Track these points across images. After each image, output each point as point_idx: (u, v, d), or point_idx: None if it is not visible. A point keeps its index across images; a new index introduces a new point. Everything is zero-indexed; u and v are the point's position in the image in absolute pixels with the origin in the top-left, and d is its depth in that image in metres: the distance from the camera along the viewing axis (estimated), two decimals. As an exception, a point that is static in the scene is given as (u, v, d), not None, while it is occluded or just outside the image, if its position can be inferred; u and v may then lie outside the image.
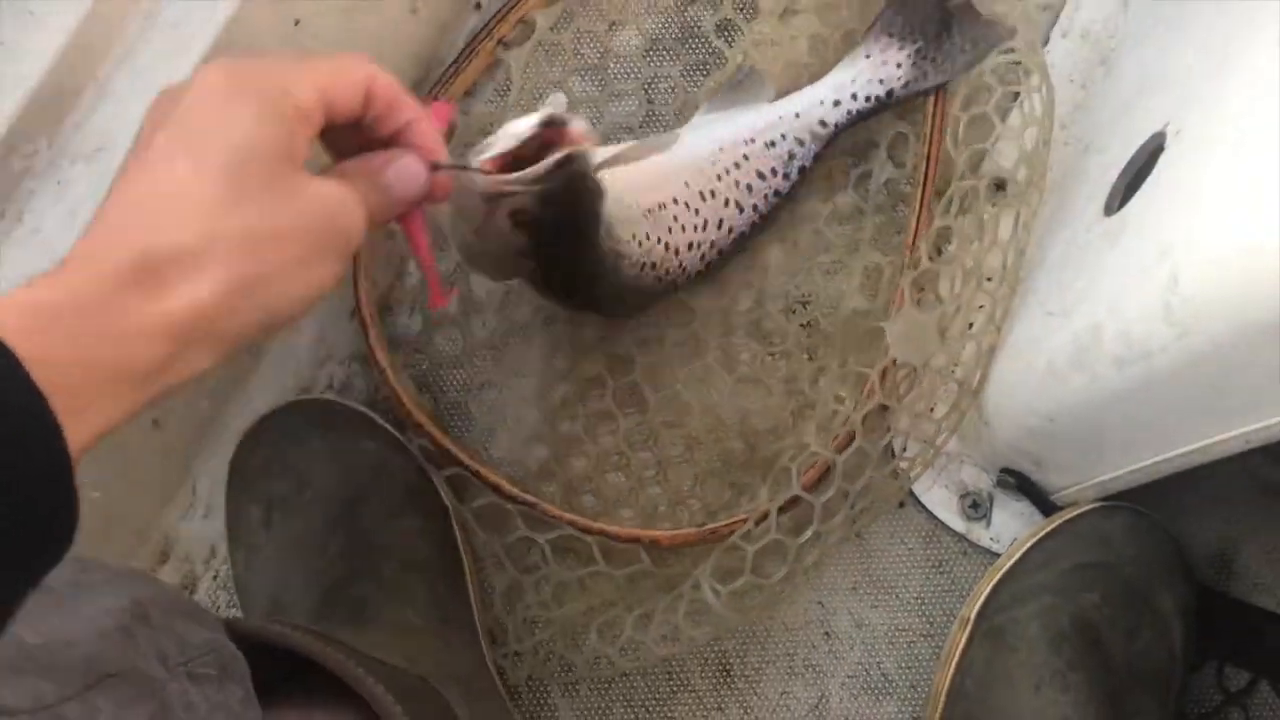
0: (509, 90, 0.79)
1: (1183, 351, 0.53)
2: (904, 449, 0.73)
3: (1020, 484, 0.74)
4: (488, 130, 0.78)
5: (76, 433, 0.36)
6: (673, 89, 0.81)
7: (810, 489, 0.68)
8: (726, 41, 0.81)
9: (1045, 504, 0.74)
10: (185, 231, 0.41)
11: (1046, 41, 0.82)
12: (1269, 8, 0.57)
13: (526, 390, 0.77)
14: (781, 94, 0.75)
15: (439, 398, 0.77)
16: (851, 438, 0.68)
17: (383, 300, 0.77)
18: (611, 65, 0.81)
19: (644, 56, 0.81)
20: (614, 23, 0.81)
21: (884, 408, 0.70)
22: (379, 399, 0.76)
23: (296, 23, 0.64)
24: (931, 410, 0.72)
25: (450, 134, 0.75)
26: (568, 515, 0.71)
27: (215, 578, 0.77)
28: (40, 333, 0.37)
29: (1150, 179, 0.61)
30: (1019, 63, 0.73)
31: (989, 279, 0.73)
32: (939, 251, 0.74)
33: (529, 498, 0.71)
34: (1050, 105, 0.73)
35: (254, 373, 0.77)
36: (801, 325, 0.77)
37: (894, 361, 0.68)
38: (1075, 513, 0.71)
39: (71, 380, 0.37)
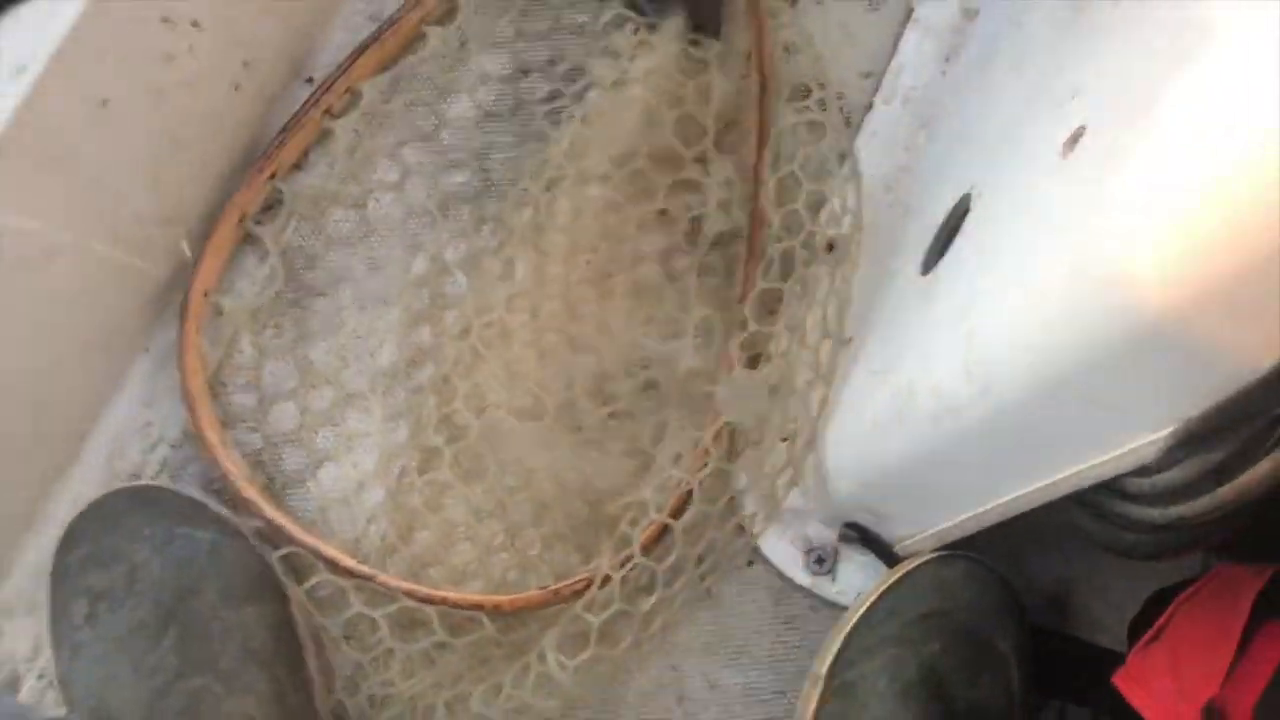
0: (338, 161, 0.78)
1: (985, 408, 0.54)
2: (746, 507, 0.74)
3: (862, 536, 0.75)
4: (319, 203, 0.78)
5: None
6: (507, 160, 0.81)
7: (649, 549, 0.68)
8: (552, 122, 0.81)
9: (888, 555, 0.76)
10: None
11: (870, 107, 0.85)
12: (1053, 81, 0.60)
13: (366, 464, 0.75)
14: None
15: (274, 476, 0.75)
16: (687, 499, 0.68)
17: (214, 376, 0.75)
18: (445, 135, 0.81)
19: (477, 126, 0.81)
20: (446, 92, 0.81)
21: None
22: (213, 479, 0.74)
23: (104, 103, 0.62)
24: (773, 468, 0.73)
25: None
26: (405, 585, 0.70)
27: (40, 677, 0.73)
28: None
29: (957, 240, 0.64)
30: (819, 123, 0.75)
31: (825, 336, 0.75)
32: (770, 312, 0.75)
33: (365, 570, 0.69)
34: (854, 167, 0.75)
35: (77, 460, 0.74)
36: (643, 386, 0.78)
37: (725, 423, 0.69)
38: (916, 563, 0.72)
39: None
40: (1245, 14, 0.42)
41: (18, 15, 0.58)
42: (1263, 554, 0.60)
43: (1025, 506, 0.61)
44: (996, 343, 0.52)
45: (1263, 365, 0.40)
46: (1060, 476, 0.57)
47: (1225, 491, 0.43)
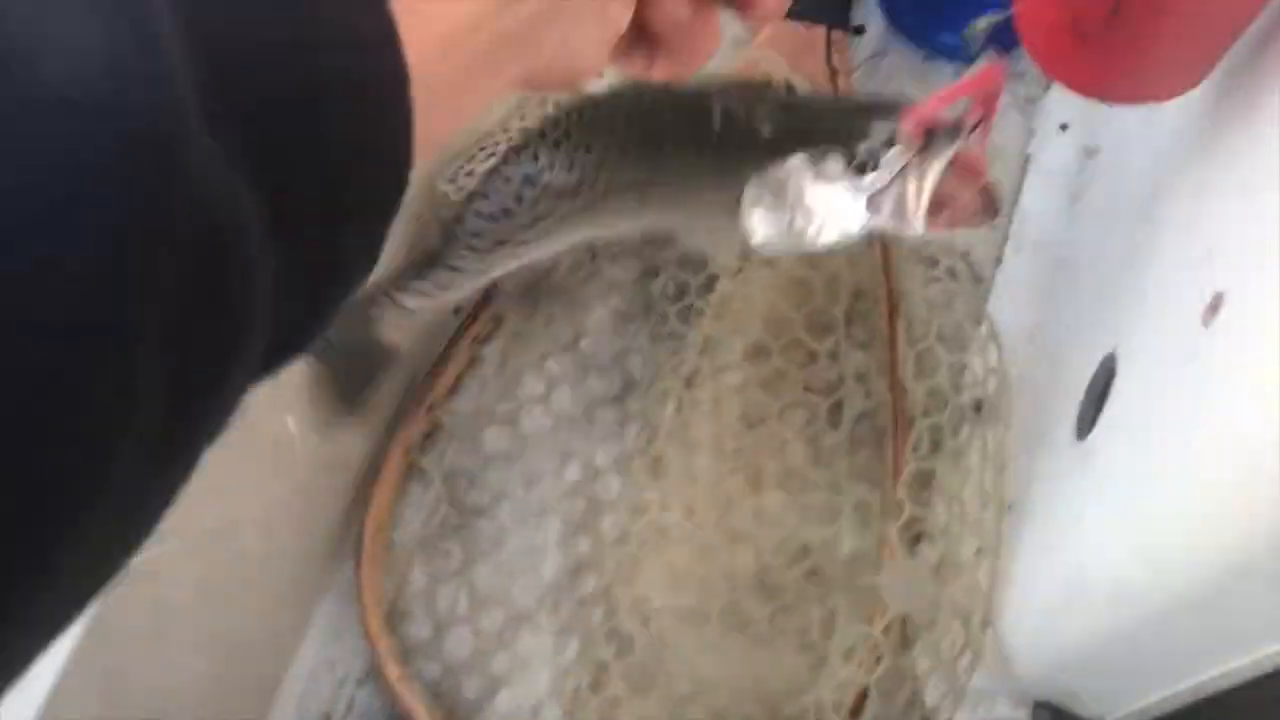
0: (488, 383, 0.82)
1: (1166, 593, 0.52)
2: (929, 695, 0.71)
3: (1056, 717, 0.71)
4: (476, 422, 0.82)
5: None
6: (645, 359, 0.83)
7: (835, 756, 0.67)
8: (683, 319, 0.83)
9: (1087, 732, 0.71)
10: None
11: (1000, 260, 0.84)
12: (1187, 237, 0.59)
13: (540, 684, 0.76)
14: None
15: (455, 705, 0.77)
16: (865, 695, 0.66)
17: (392, 608, 0.78)
18: (584, 343, 0.84)
19: (614, 331, 0.84)
20: (581, 303, 0.84)
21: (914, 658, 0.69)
22: (398, 715, 0.76)
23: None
24: (951, 651, 0.70)
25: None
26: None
27: None
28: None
29: (1109, 404, 0.62)
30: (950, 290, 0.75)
31: (985, 505, 0.72)
32: (924, 486, 0.74)
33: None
34: (991, 327, 0.74)
35: (273, 705, 0.77)
36: (805, 575, 0.77)
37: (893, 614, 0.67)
38: (1116, 742, 0.68)
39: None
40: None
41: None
42: None
43: (1231, 683, 0.57)
44: (1171, 529, 0.50)
45: None
46: (1258, 655, 0.53)
47: None
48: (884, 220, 0.51)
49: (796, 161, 0.52)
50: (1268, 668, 0.53)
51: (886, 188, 0.50)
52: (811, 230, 0.52)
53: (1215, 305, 0.50)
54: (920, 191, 0.50)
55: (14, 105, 0.18)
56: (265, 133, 0.23)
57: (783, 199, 0.53)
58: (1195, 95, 0.61)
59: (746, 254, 0.79)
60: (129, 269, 0.19)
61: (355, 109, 0.26)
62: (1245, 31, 0.54)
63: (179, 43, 0.21)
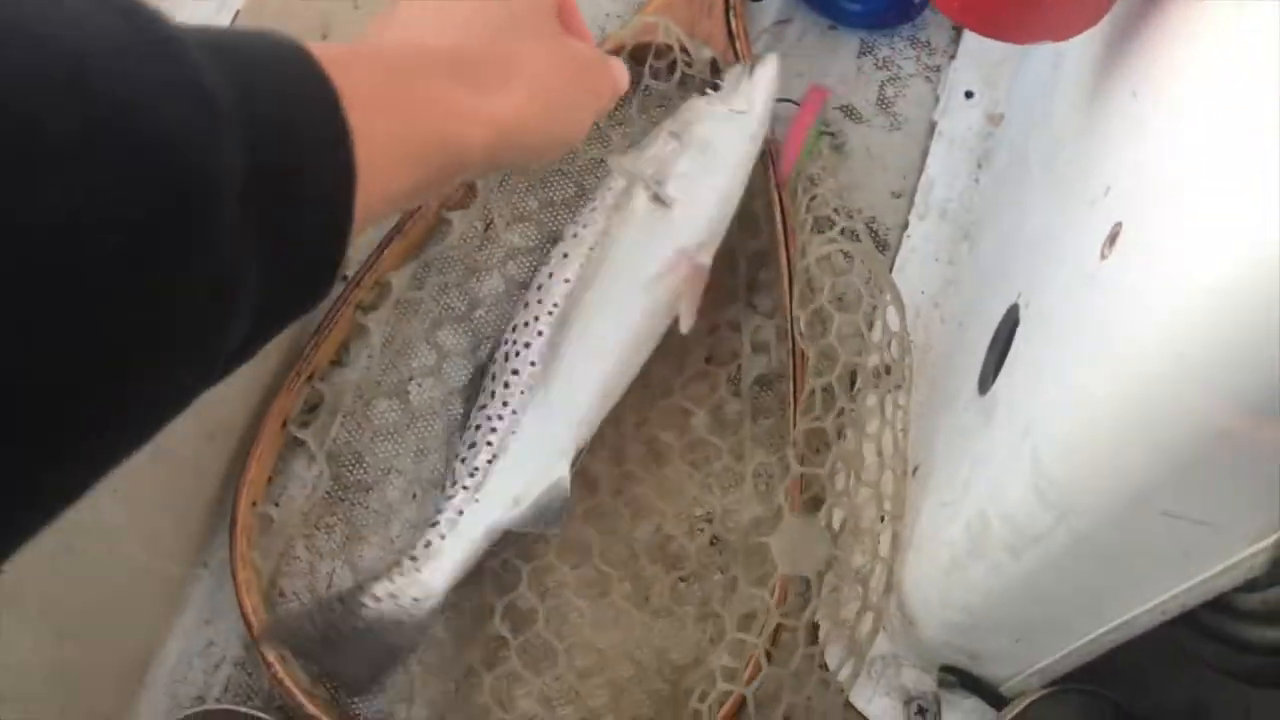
0: (376, 353, 0.78)
1: (1068, 534, 0.50)
2: (831, 661, 0.69)
3: (963, 680, 0.70)
4: (363, 396, 0.78)
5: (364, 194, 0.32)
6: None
7: (732, 724, 0.64)
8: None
9: (994, 696, 0.69)
10: (491, 44, 0.42)
11: (906, 226, 0.83)
12: (1086, 177, 0.58)
13: (430, 661, 0.72)
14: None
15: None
16: (761, 663, 0.64)
17: (271, 586, 0.74)
18: (479, 313, 0.80)
19: (510, 300, 0.80)
20: (475, 271, 0.81)
21: (815, 623, 0.67)
22: (277, 695, 0.71)
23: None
24: (851, 616, 0.68)
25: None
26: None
27: None
28: (361, 81, 0.33)
29: (1011, 354, 0.60)
30: (848, 254, 0.73)
31: (885, 469, 0.71)
32: (817, 451, 0.72)
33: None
34: (893, 290, 0.73)
35: (143, 686, 0.72)
36: (710, 543, 0.75)
37: (788, 577, 0.65)
38: (1024, 704, 0.66)
39: (377, 136, 0.33)
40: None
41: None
42: None
43: (1131, 633, 0.56)
44: (1065, 465, 0.48)
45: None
46: (1162, 599, 0.52)
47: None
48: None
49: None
50: (1172, 611, 0.52)
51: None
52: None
53: (1113, 236, 0.49)
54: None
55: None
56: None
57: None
58: (1094, 42, 0.61)
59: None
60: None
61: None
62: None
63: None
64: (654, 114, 0.83)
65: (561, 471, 0.70)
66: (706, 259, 0.72)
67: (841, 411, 0.70)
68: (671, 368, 0.77)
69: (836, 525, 0.69)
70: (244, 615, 0.70)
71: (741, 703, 0.64)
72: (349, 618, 0.65)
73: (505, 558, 0.73)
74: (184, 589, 0.75)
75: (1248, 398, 0.38)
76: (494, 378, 0.72)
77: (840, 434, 0.72)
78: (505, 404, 0.71)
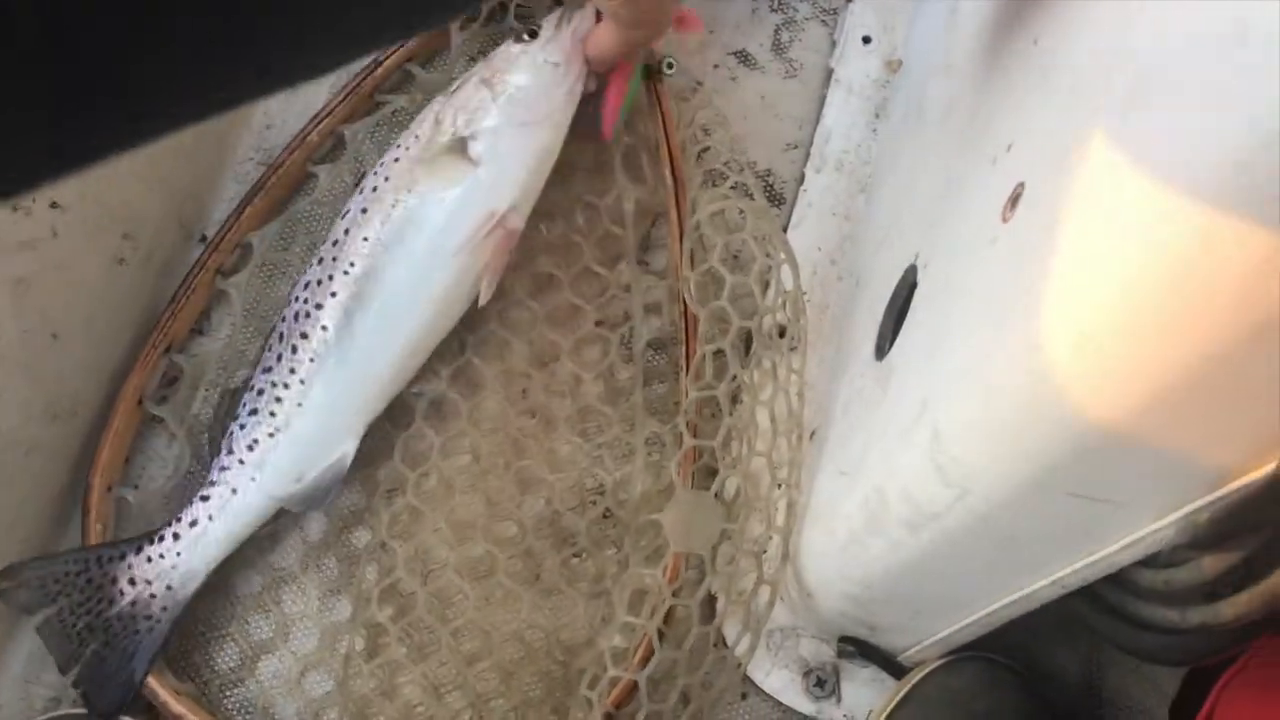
0: (237, 322, 0.73)
1: (965, 511, 0.48)
2: (728, 635, 0.67)
3: (862, 650, 0.68)
4: (228, 368, 0.72)
5: None
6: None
7: (622, 705, 0.61)
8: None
9: (893, 665, 0.68)
10: None
11: (802, 179, 0.80)
12: (986, 132, 0.55)
13: (307, 648, 0.68)
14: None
15: (209, 679, 0.68)
16: (652, 649, 0.61)
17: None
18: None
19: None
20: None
21: (711, 597, 0.64)
22: (139, 697, 0.66)
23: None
24: (747, 589, 0.66)
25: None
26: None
27: None
28: None
29: (908, 319, 0.58)
30: (742, 211, 0.70)
31: (778, 435, 0.68)
32: (712, 417, 0.69)
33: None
34: (787, 249, 0.69)
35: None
36: (603, 516, 0.71)
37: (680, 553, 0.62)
38: (922, 674, 0.65)
39: None
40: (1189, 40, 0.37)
41: None
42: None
43: (1030, 606, 0.54)
44: (965, 442, 0.46)
45: (1262, 467, 0.33)
46: (1063, 573, 0.50)
47: (1248, 599, 0.36)
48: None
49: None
50: (1072, 585, 0.50)
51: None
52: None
53: (1015, 197, 0.46)
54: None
55: None
56: None
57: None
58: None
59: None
60: None
61: None
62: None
63: None
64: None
65: (347, 449, 0.66)
66: (519, 222, 0.68)
67: (735, 378, 0.66)
68: (561, 331, 0.73)
69: (730, 495, 0.66)
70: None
71: (633, 687, 0.61)
72: (93, 616, 0.61)
73: (382, 539, 0.69)
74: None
75: (1152, 379, 0.36)
76: (281, 338, 0.66)
77: (735, 400, 0.69)
78: (293, 371, 0.65)
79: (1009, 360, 0.42)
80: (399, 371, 0.68)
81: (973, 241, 0.50)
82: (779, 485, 0.67)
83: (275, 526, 0.69)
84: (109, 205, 0.67)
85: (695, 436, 0.66)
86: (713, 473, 0.67)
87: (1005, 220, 0.47)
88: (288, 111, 0.78)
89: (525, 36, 0.68)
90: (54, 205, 0.62)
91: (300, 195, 0.76)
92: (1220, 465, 0.35)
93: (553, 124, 0.68)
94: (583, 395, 0.72)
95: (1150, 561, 0.46)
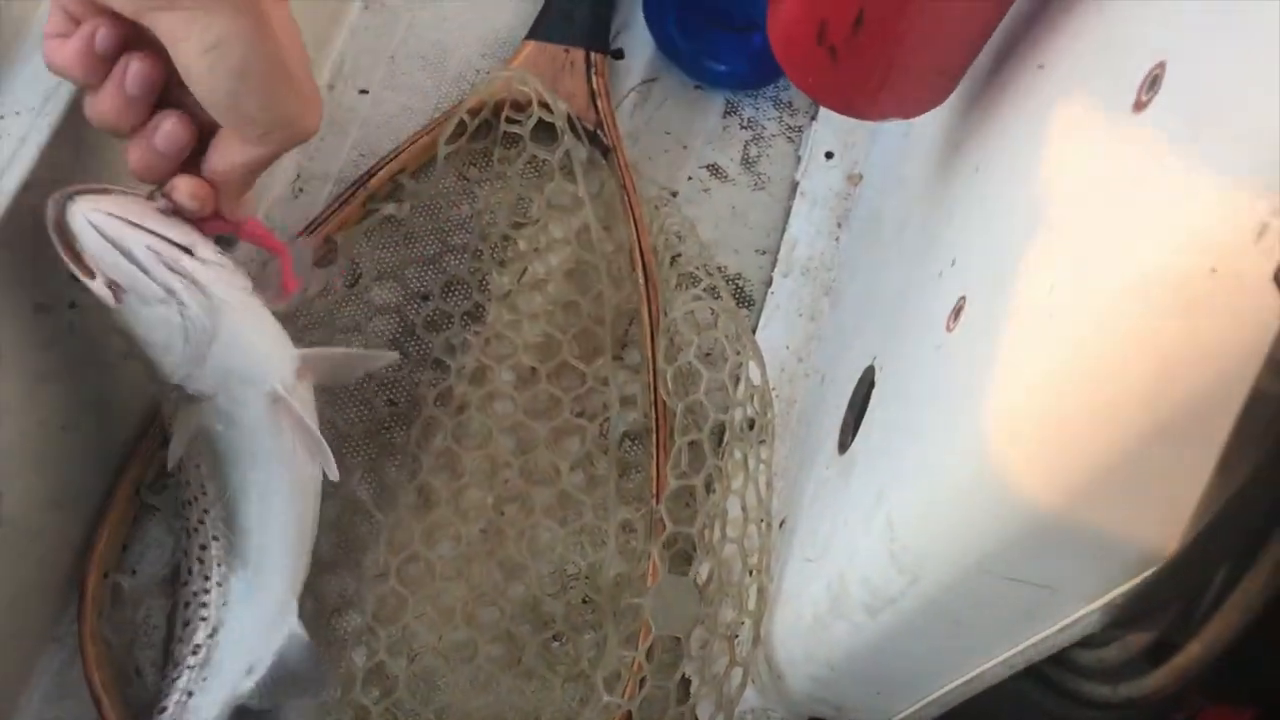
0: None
1: (918, 596, 0.52)
2: (701, 716, 0.70)
3: (828, 730, 0.71)
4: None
5: None
6: (409, 388, 0.80)
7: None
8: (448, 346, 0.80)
9: (858, 745, 0.71)
10: None
11: (770, 282, 0.85)
12: (934, 246, 0.60)
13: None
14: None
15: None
16: (631, 724, 0.64)
17: (127, 659, 0.71)
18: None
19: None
20: (340, 330, 0.80)
21: (685, 680, 0.68)
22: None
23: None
24: (721, 671, 0.69)
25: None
26: None
27: None
28: None
29: (866, 416, 0.62)
30: (713, 311, 0.75)
31: (749, 523, 0.72)
32: (686, 505, 0.73)
33: None
34: (754, 346, 0.75)
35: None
36: (583, 601, 0.75)
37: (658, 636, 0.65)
38: (885, 753, 0.68)
39: None
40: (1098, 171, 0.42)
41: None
42: (1249, 693, 0.57)
43: (981, 686, 0.58)
44: (915, 529, 0.50)
45: (1166, 550, 0.38)
46: (1008, 654, 0.54)
47: (1166, 671, 0.41)
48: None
49: None
50: (1018, 665, 0.54)
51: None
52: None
53: (958, 310, 0.52)
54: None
55: None
56: None
57: None
58: (944, 111, 0.64)
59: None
60: None
61: None
62: (981, 48, 0.56)
63: None
64: (515, 165, 0.83)
65: (289, 625, 0.68)
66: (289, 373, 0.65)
67: (708, 467, 0.71)
68: (540, 421, 0.78)
69: (703, 580, 0.69)
70: (92, 692, 0.67)
71: (612, 766, 0.64)
72: None
73: (369, 623, 0.72)
74: (33, 665, 0.71)
75: (1073, 471, 0.40)
76: (186, 553, 0.68)
77: (709, 489, 0.73)
78: (207, 578, 0.67)
79: (952, 455, 0.47)
80: (304, 539, 0.69)
81: (922, 346, 0.55)
82: (750, 572, 0.71)
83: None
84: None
85: (672, 524, 0.70)
86: (688, 558, 0.71)
87: (949, 329, 0.52)
88: (289, 216, 0.83)
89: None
90: (72, 305, 0.66)
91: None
92: (1138, 550, 0.40)
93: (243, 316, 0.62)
94: (560, 483, 0.76)
95: (1087, 642, 0.50)
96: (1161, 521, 0.38)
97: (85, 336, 0.69)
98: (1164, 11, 0.40)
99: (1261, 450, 0.33)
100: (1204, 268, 0.32)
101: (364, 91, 0.89)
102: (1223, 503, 0.34)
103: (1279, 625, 0.37)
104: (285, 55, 0.50)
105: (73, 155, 0.63)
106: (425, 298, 0.81)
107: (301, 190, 0.85)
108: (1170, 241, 0.34)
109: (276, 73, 0.50)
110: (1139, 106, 0.39)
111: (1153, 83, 0.39)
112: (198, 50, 0.48)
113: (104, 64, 0.52)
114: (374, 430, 0.78)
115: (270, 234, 0.63)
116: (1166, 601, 0.39)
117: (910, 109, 0.60)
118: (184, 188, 0.56)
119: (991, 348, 0.46)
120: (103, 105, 0.53)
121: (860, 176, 0.88)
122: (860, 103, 0.59)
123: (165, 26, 0.48)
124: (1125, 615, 0.41)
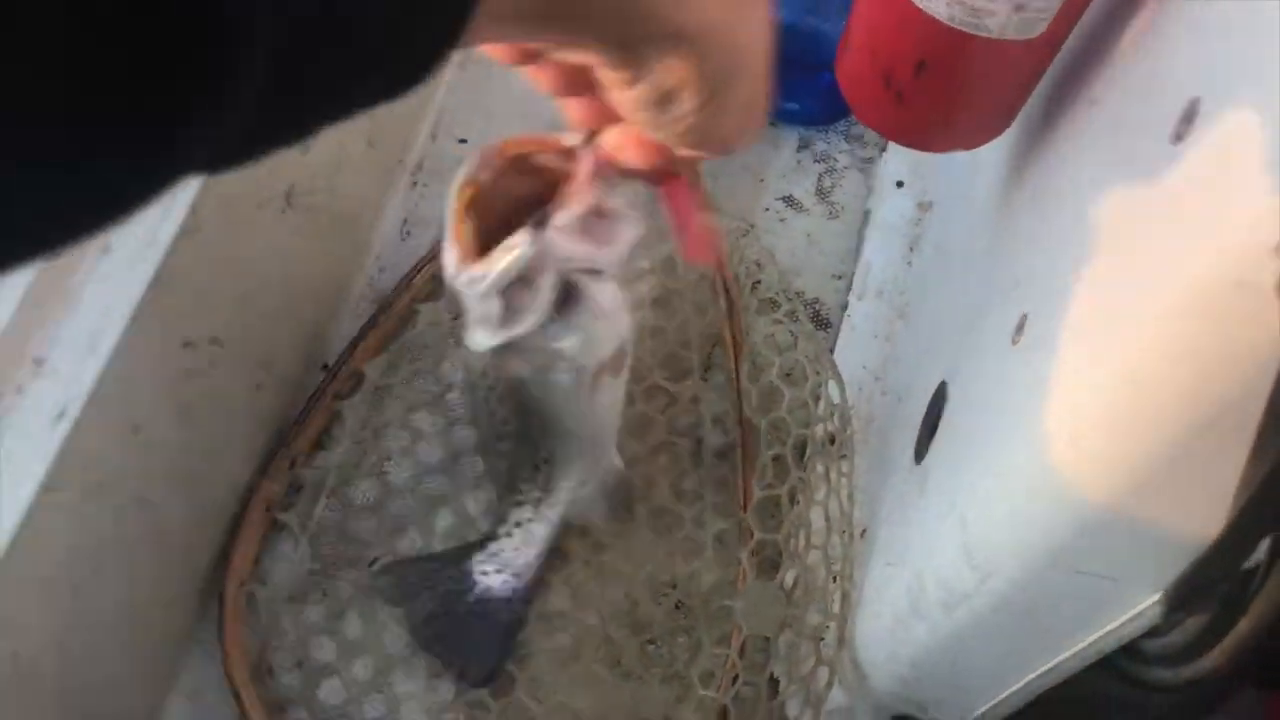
0: (352, 438, 0.84)
1: (991, 593, 0.56)
2: (790, 713, 0.74)
3: (912, 728, 0.75)
4: (342, 477, 0.82)
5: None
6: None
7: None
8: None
9: (942, 743, 0.75)
10: None
11: (845, 306, 0.90)
12: (1000, 269, 0.65)
13: (413, 728, 0.77)
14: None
15: (327, 755, 0.76)
16: (724, 715, 0.69)
17: (260, 662, 0.78)
18: (450, 396, 0.86)
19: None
20: (445, 357, 0.87)
21: (774, 679, 0.72)
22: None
23: (136, 429, 0.68)
24: (808, 671, 0.74)
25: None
26: None
27: None
28: None
29: (940, 429, 0.67)
30: (793, 334, 0.80)
31: (832, 533, 0.77)
32: (772, 516, 0.78)
33: None
34: (833, 366, 0.79)
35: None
36: (675, 607, 0.80)
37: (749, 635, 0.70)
38: (967, 749, 0.72)
39: None
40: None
41: (52, 363, 0.64)
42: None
43: (1058, 678, 0.61)
44: (987, 528, 0.55)
45: (1211, 533, 0.42)
46: (1081, 645, 0.58)
47: (1219, 651, 0.44)
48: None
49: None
50: (1090, 657, 0.58)
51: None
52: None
53: (1021, 326, 0.56)
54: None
55: None
56: None
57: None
58: (1004, 142, 0.68)
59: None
60: None
61: None
62: (1036, 87, 0.61)
63: None
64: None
65: (610, 458, 0.75)
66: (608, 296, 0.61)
67: (793, 478, 0.76)
68: (636, 438, 0.83)
69: (790, 585, 0.74)
70: (234, 691, 0.74)
71: (709, 757, 0.69)
72: (459, 595, 0.74)
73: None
74: (176, 667, 0.79)
75: (1131, 466, 0.45)
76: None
77: (793, 500, 0.78)
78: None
79: (1019, 458, 0.51)
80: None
81: (989, 361, 0.60)
82: (834, 578, 0.75)
83: (386, 614, 0.79)
84: (254, 340, 0.79)
85: (760, 533, 0.75)
86: (775, 564, 0.76)
87: (1014, 344, 0.57)
88: (398, 256, 0.90)
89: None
90: (214, 340, 0.74)
91: (406, 329, 0.87)
92: (1188, 536, 0.44)
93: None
94: (656, 496, 0.82)
95: (1152, 632, 0.54)
96: (1206, 508, 0.42)
97: (225, 369, 0.76)
98: (1197, 53, 0.45)
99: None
100: (1232, 281, 0.37)
101: (463, 140, 0.96)
102: (1257, 485, 0.38)
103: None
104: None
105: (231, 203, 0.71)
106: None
107: (409, 233, 0.93)
108: (1204, 259, 0.39)
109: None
110: (1177, 138, 0.44)
111: (1189, 116, 0.44)
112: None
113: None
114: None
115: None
116: (1215, 582, 0.43)
117: (972, 141, 0.65)
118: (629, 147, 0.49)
119: (1052, 359, 0.50)
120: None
121: (930, 204, 0.93)
122: (925, 138, 0.63)
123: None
124: (1180, 598, 0.45)
